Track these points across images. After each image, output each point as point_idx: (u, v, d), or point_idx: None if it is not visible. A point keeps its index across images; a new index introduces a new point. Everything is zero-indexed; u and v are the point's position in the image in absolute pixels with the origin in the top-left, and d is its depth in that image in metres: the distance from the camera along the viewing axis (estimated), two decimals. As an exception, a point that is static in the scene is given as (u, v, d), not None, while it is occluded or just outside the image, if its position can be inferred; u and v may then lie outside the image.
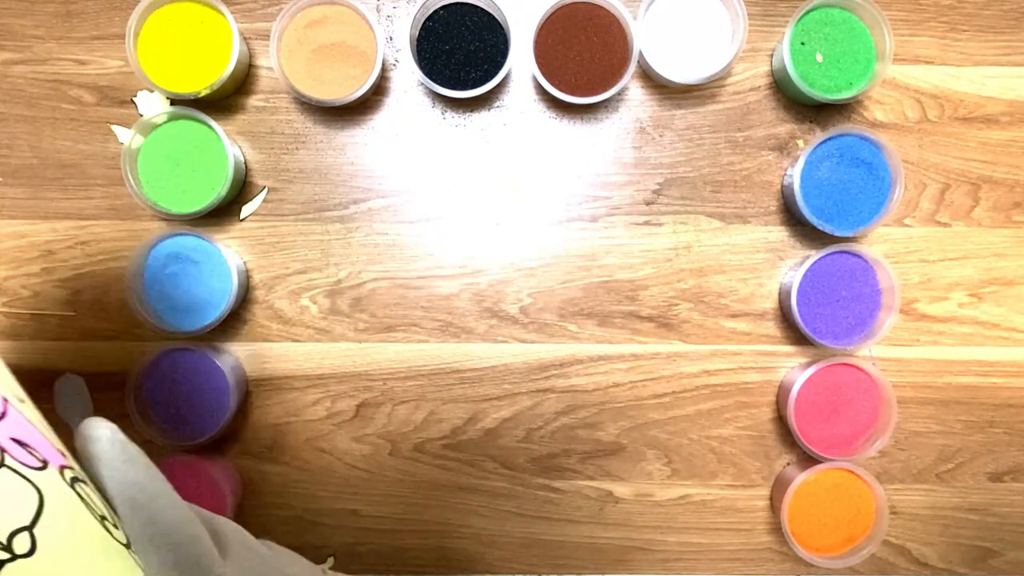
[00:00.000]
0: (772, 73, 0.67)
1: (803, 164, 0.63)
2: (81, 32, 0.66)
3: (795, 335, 0.68)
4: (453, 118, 0.67)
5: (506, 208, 0.68)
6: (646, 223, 0.68)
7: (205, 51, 0.63)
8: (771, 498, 0.69)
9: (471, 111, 0.67)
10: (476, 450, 0.69)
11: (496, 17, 0.63)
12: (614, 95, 0.63)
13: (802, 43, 0.64)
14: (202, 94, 0.62)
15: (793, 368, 0.68)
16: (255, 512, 0.68)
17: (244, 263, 0.67)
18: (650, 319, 0.68)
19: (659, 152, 0.67)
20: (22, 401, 0.34)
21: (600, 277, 0.68)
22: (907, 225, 0.68)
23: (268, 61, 0.67)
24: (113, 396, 0.67)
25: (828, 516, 0.65)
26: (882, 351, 0.68)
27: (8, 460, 0.30)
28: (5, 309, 0.67)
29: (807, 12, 0.63)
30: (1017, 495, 0.69)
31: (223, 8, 0.62)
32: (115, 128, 0.67)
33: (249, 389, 0.68)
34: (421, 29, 0.63)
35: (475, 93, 0.62)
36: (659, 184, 0.68)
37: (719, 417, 0.68)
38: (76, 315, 0.67)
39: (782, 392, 0.67)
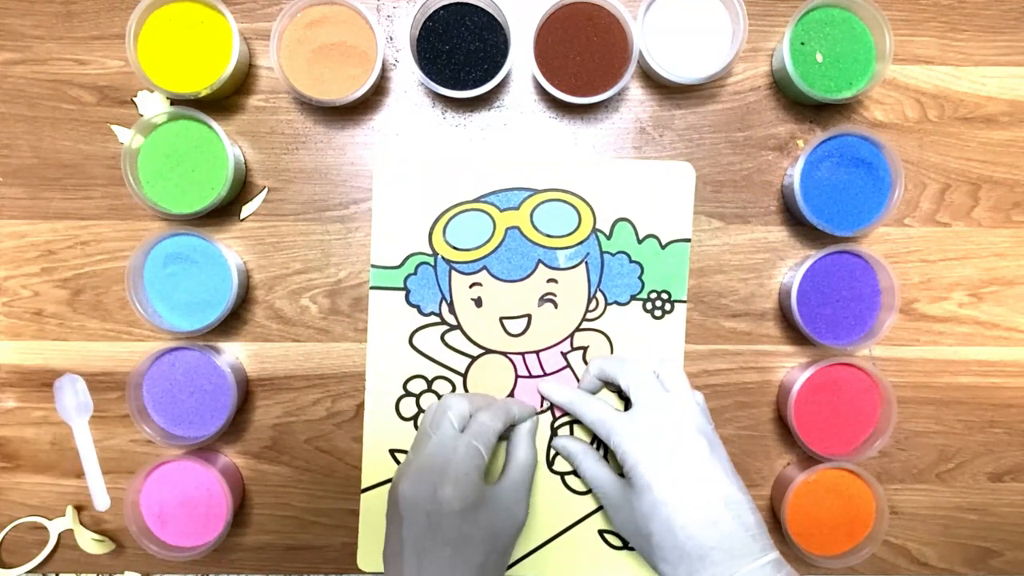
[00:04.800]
0: (772, 73, 0.67)
1: (803, 164, 0.63)
2: (81, 32, 0.66)
3: (795, 335, 0.68)
4: (453, 118, 0.67)
5: (506, 208, 0.68)
6: (646, 223, 0.68)
7: (205, 51, 0.63)
8: (771, 498, 0.69)
9: (471, 111, 0.67)
10: (476, 450, 0.69)
11: (496, 17, 0.63)
12: (614, 95, 0.63)
13: (802, 43, 0.64)
14: (202, 94, 0.62)
15: (793, 368, 0.68)
16: (255, 512, 0.68)
17: (244, 263, 0.67)
18: (650, 319, 0.68)
19: (659, 152, 0.67)
20: None
21: (600, 277, 0.68)
22: (907, 225, 0.68)
23: (268, 61, 0.67)
24: (113, 396, 0.67)
25: (828, 516, 0.66)
26: (882, 351, 0.68)
27: None
28: (6, 309, 0.67)
29: (807, 12, 0.63)
30: (1017, 495, 0.69)
31: (223, 8, 0.62)
32: (115, 128, 0.67)
33: (249, 389, 0.68)
34: (421, 29, 0.63)
35: (475, 93, 0.62)
36: (659, 184, 0.67)
37: (719, 417, 0.68)
38: (76, 315, 0.67)
39: (782, 392, 0.67)
